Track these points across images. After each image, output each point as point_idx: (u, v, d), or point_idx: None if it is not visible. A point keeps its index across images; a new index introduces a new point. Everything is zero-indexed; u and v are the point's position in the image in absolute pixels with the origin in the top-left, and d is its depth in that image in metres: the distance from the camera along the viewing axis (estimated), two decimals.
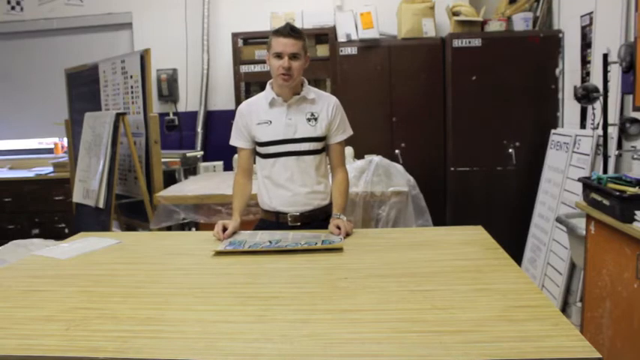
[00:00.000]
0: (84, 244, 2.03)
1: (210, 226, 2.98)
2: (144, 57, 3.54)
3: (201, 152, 4.60)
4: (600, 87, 2.79)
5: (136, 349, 1.12)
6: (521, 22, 3.90)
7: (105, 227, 3.23)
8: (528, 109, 3.84)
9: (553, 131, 3.69)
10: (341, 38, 4.11)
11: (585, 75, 3.45)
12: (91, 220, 3.43)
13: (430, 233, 2.13)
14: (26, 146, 5.42)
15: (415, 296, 1.36)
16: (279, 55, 2.01)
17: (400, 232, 2.23)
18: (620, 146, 2.89)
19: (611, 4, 3.00)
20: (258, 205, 2.27)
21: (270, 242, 1.89)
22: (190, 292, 1.46)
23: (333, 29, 4.15)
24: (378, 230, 2.62)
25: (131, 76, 3.69)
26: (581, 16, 3.46)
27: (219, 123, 4.78)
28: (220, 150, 4.58)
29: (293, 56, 2.01)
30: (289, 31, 2.02)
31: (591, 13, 3.32)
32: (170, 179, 3.92)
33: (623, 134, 2.79)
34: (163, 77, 4.75)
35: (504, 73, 3.82)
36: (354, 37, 4.07)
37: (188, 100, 4.86)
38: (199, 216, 3.08)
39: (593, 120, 3.18)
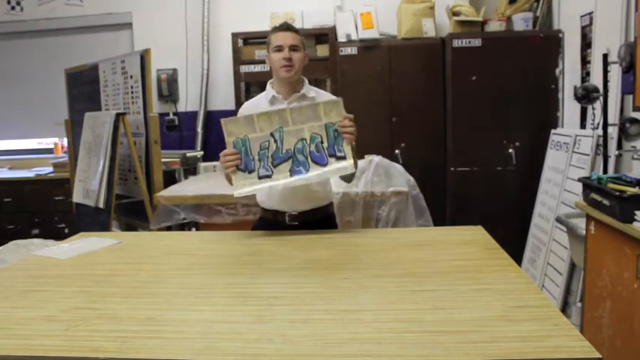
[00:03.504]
0: (84, 244, 2.03)
1: (210, 226, 3.00)
2: (144, 57, 3.54)
3: (202, 152, 4.60)
4: (600, 87, 2.79)
5: (136, 349, 1.12)
6: (521, 22, 3.90)
7: (105, 227, 3.23)
8: (528, 109, 3.83)
9: (553, 131, 3.69)
10: (341, 38, 4.11)
11: (585, 75, 3.44)
12: (91, 220, 3.43)
13: (430, 233, 2.13)
14: (26, 146, 5.42)
15: (415, 296, 1.36)
16: (279, 49, 2.04)
17: (400, 232, 2.23)
18: (620, 146, 2.89)
19: (611, 4, 3.00)
20: (257, 205, 2.27)
21: (275, 141, 1.91)
22: (190, 292, 1.46)
23: (333, 29, 4.15)
24: (378, 230, 2.62)
25: (131, 76, 3.69)
26: (581, 16, 3.45)
27: (220, 123, 4.77)
28: (220, 150, 4.56)
29: (293, 48, 2.05)
30: (287, 26, 2.09)
31: (591, 13, 3.32)
32: (170, 179, 3.92)
33: (623, 134, 2.79)
34: (163, 77, 4.75)
35: (504, 73, 3.82)
36: (354, 37, 4.07)
37: (188, 100, 4.86)
38: (199, 216, 3.08)
39: (593, 120, 3.18)
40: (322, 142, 1.91)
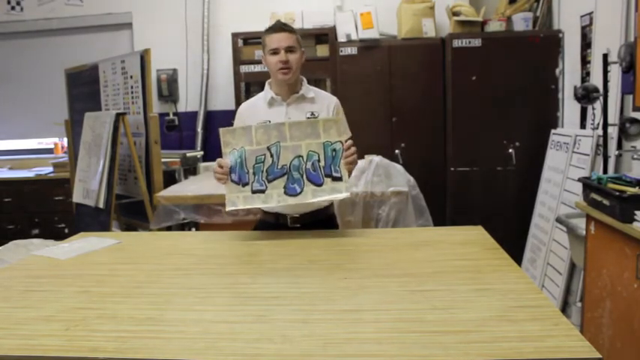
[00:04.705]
0: (84, 244, 2.03)
1: (210, 226, 3.00)
2: (144, 57, 3.54)
3: (201, 152, 4.60)
4: (600, 87, 2.79)
5: (135, 349, 1.13)
6: (521, 22, 3.90)
7: (105, 227, 3.23)
8: (528, 109, 3.84)
9: (553, 131, 3.69)
10: (341, 38, 4.11)
11: (585, 75, 3.44)
12: (91, 220, 3.43)
13: (430, 233, 2.13)
14: (26, 146, 5.42)
15: (415, 296, 1.36)
16: (275, 51, 2.02)
17: (400, 232, 2.23)
18: (620, 146, 2.89)
19: (611, 4, 3.00)
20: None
21: (272, 156, 1.90)
22: (190, 292, 1.46)
23: (333, 29, 4.15)
24: (378, 230, 2.62)
25: (131, 76, 3.69)
26: (581, 16, 3.46)
27: (219, 123, 4.75)
28: (220, 150, 4.57)
29: (289, 49, 2.03)
30: (281, 26, 2.05)
31: (591, 13, 3.32)
32: (170, 179, 3.92)
33: (623, 134, 2.79)
34: (163, 77, 4.75)
35: (504, 73, 3.82)
36: (354, 37, 4.07)
37: (188, 100, 4.86)
38: (199, 216, 3.08)
39: (593, 120, 3.18)
40: (319, 161, 1.89)
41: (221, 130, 1.97)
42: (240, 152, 1.93)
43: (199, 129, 4.77)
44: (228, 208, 1.96)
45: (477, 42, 3.82)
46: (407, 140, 4.08)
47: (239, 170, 1.93)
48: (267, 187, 1.92)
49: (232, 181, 1.95)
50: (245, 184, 1.94)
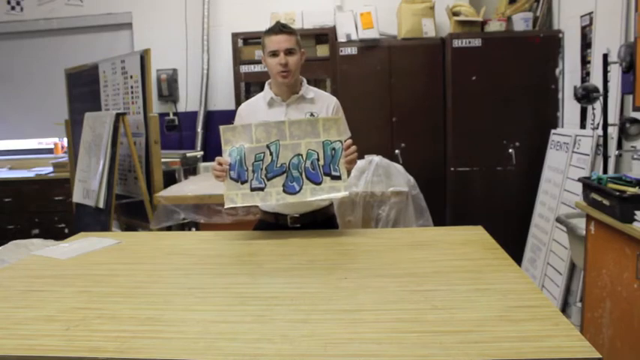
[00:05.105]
0: (84, 244, 2.04)
1: (210, 226, 3.00)
2: (144, 57, 3.54)
3: (201, 152, 4.60)
4: (600, 87, 2.79)
5: (136, 349, 1.13)
6: (521, 22, 3.91)
7: (105, 227, 3.23)
8: (528, 109, 3.84)
9: (553, 131, 3.69)
10: (341, 38, 4.11)
11: (585, 75, 3.45)
12: (91, 220, 3.43)
13: (430, 233, 2.13)
14: (26, 146, 5.42)
15: (415, 296, 1.36)
16: (274, 54, 2.03)
17: (400, 232, 2.23)
18: (620, 146, 2.89)
19: (611, 4, 3.00)
20: (257, 206, 2.27)
21: (271, 155, 1.90)
22: (190, 292, 1.46)
23: (333, 29, 4.15)
24: (378, 230, 2.62)
25: (131, 76, 3.69)
26: (581, 16, 3.46)
27: (219, 123, 4.74)
28: (220, 150, 4.57)
29: (288, 52, 2.03)
30: (280, 27, 2.05)
31: (591, 13, 3.32)
32: (170, 179, 3.92)
33: (623, 134, 2.79)
34: (163, 77, 4.75)
35: (504, 73, 3.82)
36: (354, 37, 4.07)
37: (188, 100, 4.86)
38: (199, 216, 3.08)
39: (593, 120, 3.18)
40: (318, 160, 1.89)
41: (221, 128, 1.97)
42: (240, 150, 1.93)
43: (199, 129, 4.77)
44: (226, 206, 1.96)
45: (477, 42, 3.83)
46: (407, 140, 4.08)
47: (238, 168, 1.94)
48: (266, 185, 1.93)
49: (231, 178, 1.95)
50: (244, 182, 1.94)
